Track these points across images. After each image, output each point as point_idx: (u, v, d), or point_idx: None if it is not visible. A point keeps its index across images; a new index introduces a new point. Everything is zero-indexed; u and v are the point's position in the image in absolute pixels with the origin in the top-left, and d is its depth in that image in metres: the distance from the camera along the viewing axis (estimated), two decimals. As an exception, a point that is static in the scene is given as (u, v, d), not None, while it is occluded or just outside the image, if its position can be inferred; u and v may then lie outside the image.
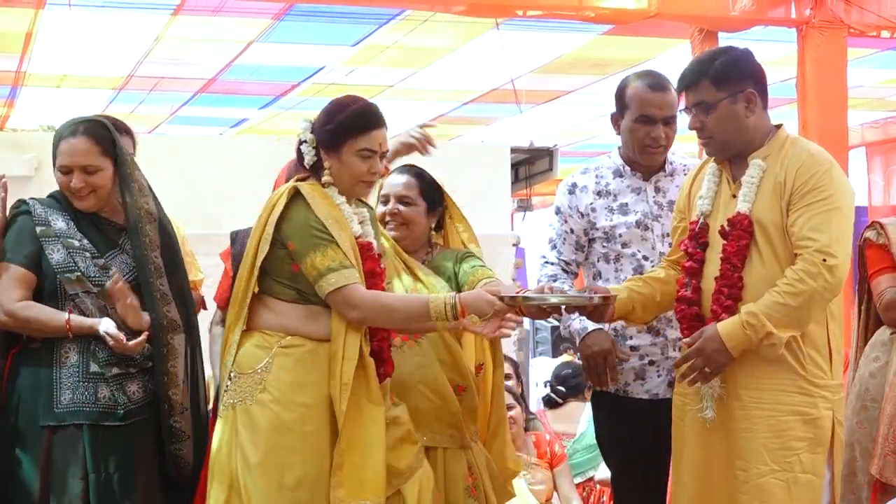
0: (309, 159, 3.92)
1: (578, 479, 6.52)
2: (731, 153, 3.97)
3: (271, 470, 3.72)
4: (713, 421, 3.87)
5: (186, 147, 7.86)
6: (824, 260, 3.72)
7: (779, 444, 3.83)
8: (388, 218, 4.35)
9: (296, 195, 3.83)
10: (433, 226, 4.45)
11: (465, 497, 4.21)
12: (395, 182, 4.38)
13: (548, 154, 8.66)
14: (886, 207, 11.74)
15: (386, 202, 4.38)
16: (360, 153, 3.86)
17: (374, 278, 3.88)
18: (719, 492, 3.89)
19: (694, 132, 4.01)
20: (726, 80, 3.90)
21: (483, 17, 8.15)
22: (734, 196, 3.92)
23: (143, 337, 3.86)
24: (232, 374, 3.84)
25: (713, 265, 3.90)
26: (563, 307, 3.97)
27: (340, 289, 3.75)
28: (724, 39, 8.44)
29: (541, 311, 3.92)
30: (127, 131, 4.50)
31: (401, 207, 4.35)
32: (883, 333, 4.54)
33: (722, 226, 3.89)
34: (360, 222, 3.96)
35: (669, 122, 4.39)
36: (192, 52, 10.25)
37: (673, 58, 9.37)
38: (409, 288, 4.20)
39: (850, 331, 4.83)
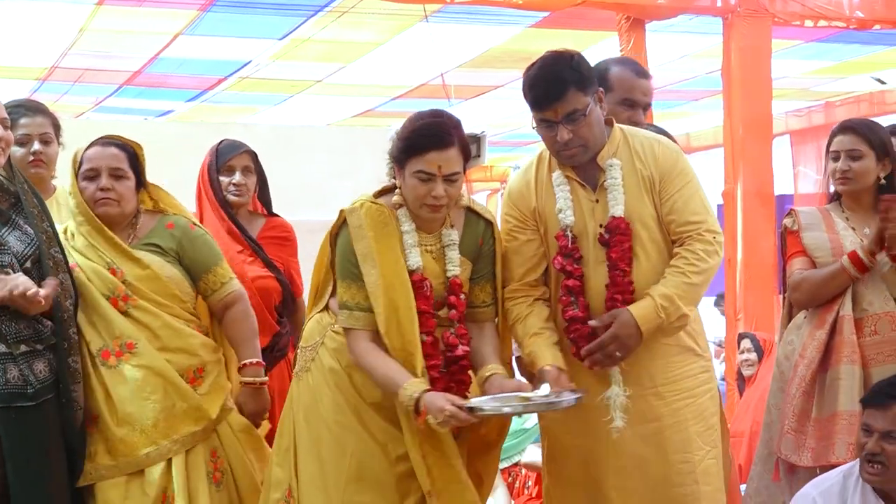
0: (388, 172, 3.79)
1: (504, 464, 6.49)
2: (590, 158, 3.84)
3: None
4: (624, 429, 3.79)
5: (113, 133, 7.76)
6: (715, 237, 3.78)
7: (704, 426, 3.87)
8: (99, 195, 4.02)
9: (344, 221, 3.73)
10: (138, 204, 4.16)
11: (207, 484, 3.97)
12: (102, 154, 4.04)
13: (475, 141, 8.61)
14: (812, 195, 11.85)
15: (94, 177, 4.02)
16: (416, 175, 3.62)
17: (423, 315, 3.70)
18: (656, 493, 3.85)
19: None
20: (587, 82, 3.74)
21: (412, 4, 8.11)
22: (597, 201, 3.83)
23: (54, 282, 3.77)
24: (299, 346, 3.93)
25: (591, 279, 3.82)
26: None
27: (348, 329, 3.72)
28: (651, 32, 8.50)
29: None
30: (43, 111, 4.43)
31: (114, 183, 4.02)
32: (799, 317, 4.61)
33: (600, 234, 3.80)
34: (430, 251, 3.77)
35: (647, 108, 4.54)
36: (117, 44, 10.14)
37: (601, 51, 9.35)
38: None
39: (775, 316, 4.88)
